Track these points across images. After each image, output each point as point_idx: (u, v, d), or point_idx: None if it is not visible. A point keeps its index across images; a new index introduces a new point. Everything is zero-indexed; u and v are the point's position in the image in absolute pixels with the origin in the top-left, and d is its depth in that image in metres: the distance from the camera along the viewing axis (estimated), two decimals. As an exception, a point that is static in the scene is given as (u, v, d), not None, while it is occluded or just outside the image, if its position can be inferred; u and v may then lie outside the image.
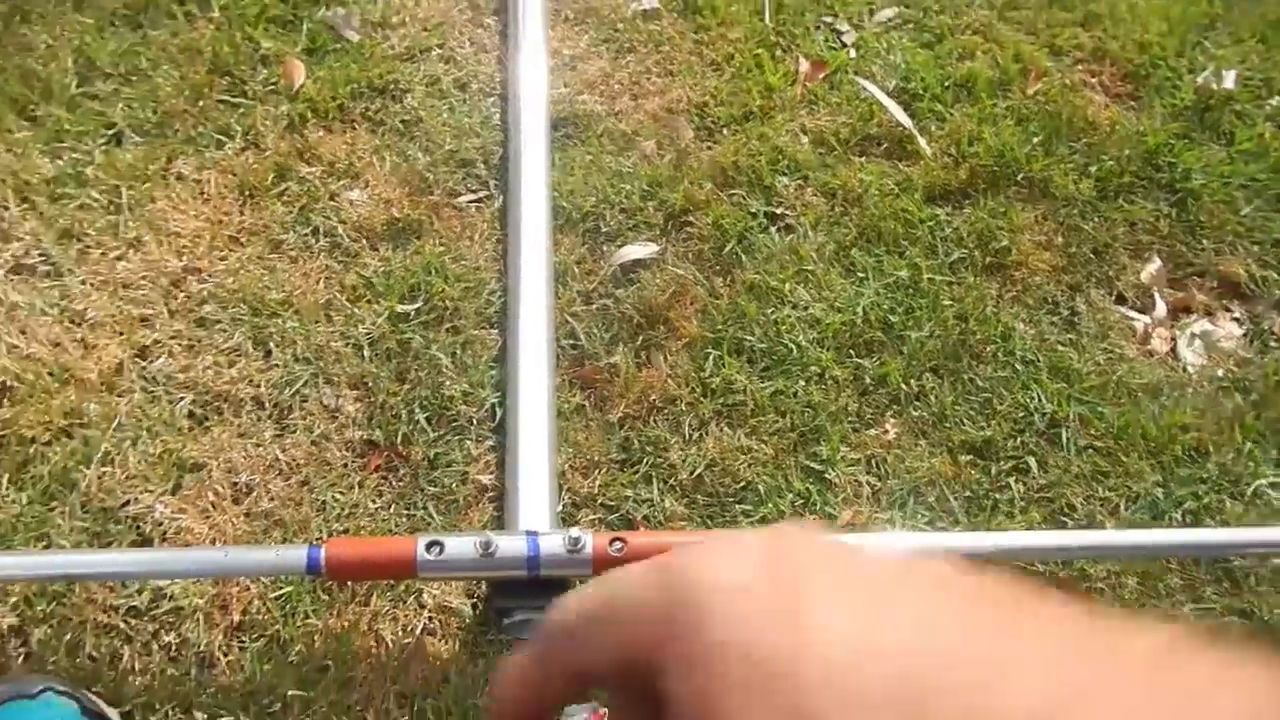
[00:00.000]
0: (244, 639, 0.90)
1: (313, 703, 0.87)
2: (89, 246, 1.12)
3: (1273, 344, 1.15)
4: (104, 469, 0.97)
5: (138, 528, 0.94)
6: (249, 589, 0.92)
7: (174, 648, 0.89)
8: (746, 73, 1.35)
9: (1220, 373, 1.12)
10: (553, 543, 0.85)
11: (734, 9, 1.42)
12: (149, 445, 0.99)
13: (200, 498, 0.96)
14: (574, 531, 0.85)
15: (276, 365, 1.05)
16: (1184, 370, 1.11)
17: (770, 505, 1.00)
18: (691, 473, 1.01)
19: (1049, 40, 1.41)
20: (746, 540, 0.24)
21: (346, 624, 0.90)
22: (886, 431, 1.05)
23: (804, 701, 0.20)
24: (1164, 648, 0.21)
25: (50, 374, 1.02)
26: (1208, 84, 1.35)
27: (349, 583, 0.92)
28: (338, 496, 0.98)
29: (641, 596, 0.24)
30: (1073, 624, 0.22)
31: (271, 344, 1.06)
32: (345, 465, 1.00)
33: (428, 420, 1.03)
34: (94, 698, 0.82)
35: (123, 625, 0.89)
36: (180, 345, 1.06)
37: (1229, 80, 1.35)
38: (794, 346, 1.09)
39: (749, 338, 1.10)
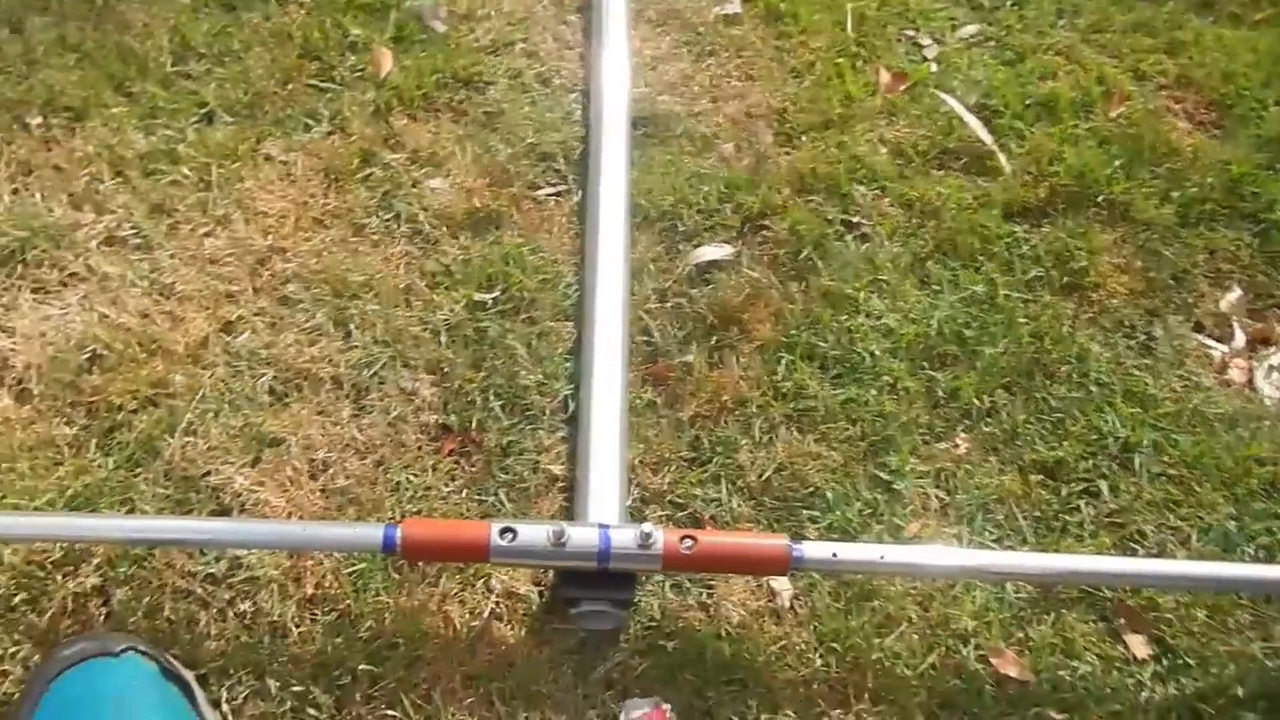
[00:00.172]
0: (316, 612, 0.91)
1: (381, 679, 0.88)
2: (179, 222, 1.14)
3: (1352, 380, 1.14)
4: (187, 439, 0.99)
5: (217, 497, 0.96)
6: (322, 563, 0.93)
7: (249, 616, 0.90)
8: (827, 81, 1.35)
9: (1297, 406, 1.11)
10: (624, 536, 0.86)
11: (816, 17, 1.42)
12: (231, 418, 1.01)
13: (278, 472, 0.98)
14: (645, 526, 0.86)
15: (356, 346, 1.07)
16: (1261, 402, 1.10)
17: (837, 513, 1.00)
18: (760, 475, 1.02)
19: (1133, 65, 1.40)
20: None
21: (416, 604, 0.92)
22: (957, 446, 1.05)
23: None
24: None
25: (139, 344, 1.04)
26: (1294, 115, 1.33)
27: (420, 563, 0.93)
28: (411, 478, 0.99)
29: None
30: None
31: (352, 325, 1.08)
32: (420, 448, 1.01)
33: (502, 408, 1.04)
34: (172, 659, 0.84)
35: (200, 591, 0.91)
36: (263, 322, 1.08)
37: (1316, 112, 1.34)
38: (867, 355, 1.10)
39: (822, 344, 1.10)
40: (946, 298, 1.15)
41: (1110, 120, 1.33)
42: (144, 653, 0.82)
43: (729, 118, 1.31)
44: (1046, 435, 1.06)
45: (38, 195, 1.15)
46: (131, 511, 0.94)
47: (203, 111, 1.24)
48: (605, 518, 0.92)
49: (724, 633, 0.93)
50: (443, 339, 1.08)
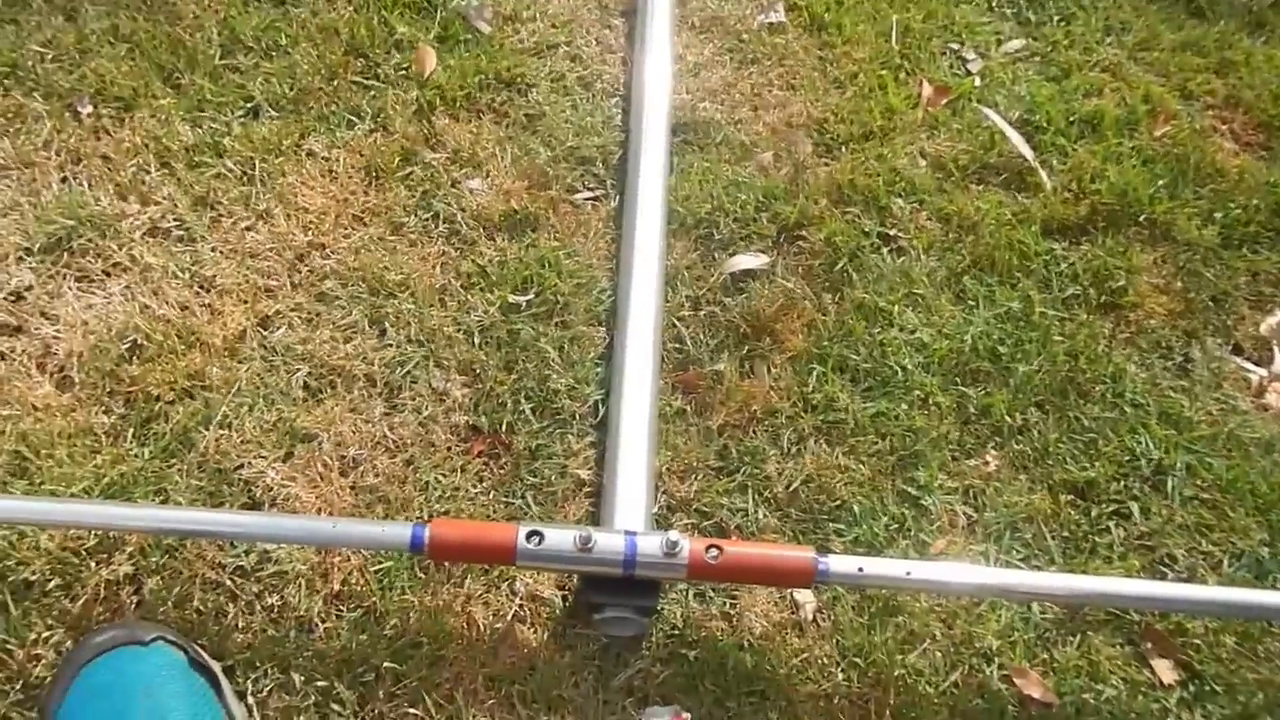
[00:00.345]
0: (342, 608, 0.92)
1: (404, 676, 0.89)
2: (221, 215, 1.16)
3: (1394, 410, 1.12)
4: (221, 432, 1.00)
5: (249, 491, 0.97)
6: (349, 560, 0.94)
7: (276, 609, 0.91)
8: (869, 92, 1.35)
9: (1336, 434, 1.09)
10: (650, 544, 0.87)
11: (860, 28, 1.42)
12: (265, 412, 1.02)
13: (310, 467, 0.99)
14: (672, 535, 0.86)
15: (390, 345, 1.08)
16: (1299, 429, 1.09)
17: (864, 527, 1.00)
18: (787, 486, 1.02)
19: (1180, 84, 1.39)
20: None
21: (441, 604, 0.92)
22: (987, 463, 1.05)
23: None
24: None
25: (178, 336, 1.05)
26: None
27: (446, 564, 0.94)
28: (440, 478, 1.00)
29: None
30: None
31: (387, 324, 1.09)
32: (450, 448, 1.02)
33: (532, 411, 1.04)
34: (200, 650, 0.86)
35: (229, 583, 0.92)
36: (300, 318, 1.09)
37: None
38: (899, 369, 1.09)
39: (854, 356, 1.10)
40: (981, 313, 1.14)
41: (1155, 139, 1.31)
42: (173, 642, 0.83)
43: (769, 126, 1.30)
44: (1078, 455, 1.05)
45: (85, 184, 1.16)
46: (165, 502, 0.96)
47: (249, 105, 1.25)
48: (631, 524, 0.92)
49: (746, 643, 0.93)
50: (476, 340, 1.09)
